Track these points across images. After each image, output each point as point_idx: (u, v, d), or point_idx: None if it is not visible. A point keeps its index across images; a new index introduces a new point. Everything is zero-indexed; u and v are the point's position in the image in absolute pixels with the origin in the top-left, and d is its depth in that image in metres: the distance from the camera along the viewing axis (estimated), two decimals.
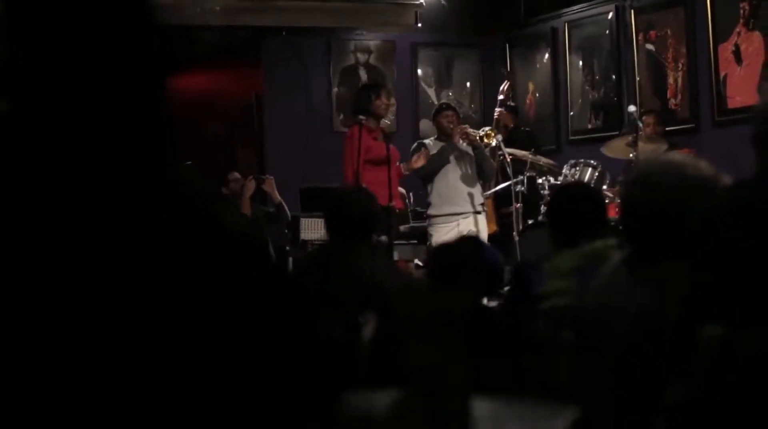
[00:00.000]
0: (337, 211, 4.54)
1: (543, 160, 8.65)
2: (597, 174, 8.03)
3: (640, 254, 2.77)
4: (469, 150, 7.88)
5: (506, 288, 4.19)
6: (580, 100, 10.15)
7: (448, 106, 8.21)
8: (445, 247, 4.07)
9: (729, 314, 2.14)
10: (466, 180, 7.84)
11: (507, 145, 8.45)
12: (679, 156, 3.03)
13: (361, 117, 7.34)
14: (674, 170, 2.71)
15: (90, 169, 1.34)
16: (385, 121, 7.65)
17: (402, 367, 1.84)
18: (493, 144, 7.95)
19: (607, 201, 6.60)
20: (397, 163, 7.52)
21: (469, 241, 4.12)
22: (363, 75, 10.47)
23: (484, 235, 7.81)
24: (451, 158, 7.77)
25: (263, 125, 10.32)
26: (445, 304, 1.93)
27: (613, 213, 5.16)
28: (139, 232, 1.32)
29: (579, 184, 6.95)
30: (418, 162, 7.64)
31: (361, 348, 2.68)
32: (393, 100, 7.83)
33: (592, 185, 7.43)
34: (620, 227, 2.91)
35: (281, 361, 1.38)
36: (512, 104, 9.95)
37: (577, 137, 10.17)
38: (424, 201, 8.15)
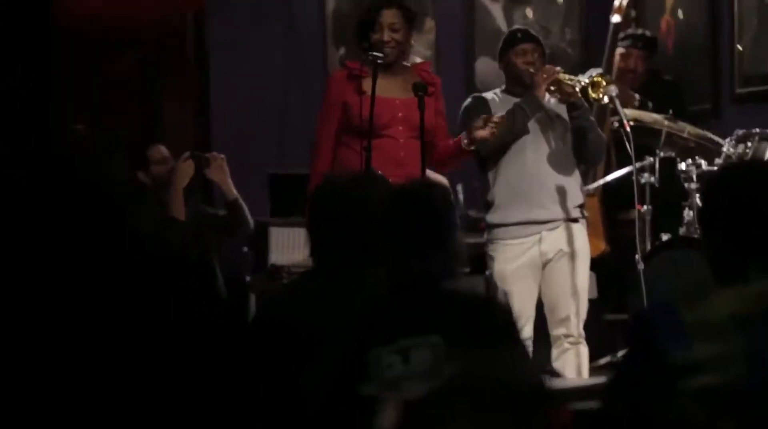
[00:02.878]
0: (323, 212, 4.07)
1: (689, 130, 7.11)
2: None
3: None
4: (562, 111, 6.11)
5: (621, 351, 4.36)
6: (755, 22, 7.66)
7: (526, 35, 6.33)
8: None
9: None
10: (555, 163, 6.15)
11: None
12: None
13: (374, 53, 5.82)
14: None
15: None
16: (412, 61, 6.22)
17: None
18: (605, 101, 6.21)
19: None
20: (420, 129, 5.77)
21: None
22: None
23: (585, 259, 6.28)
24: (531, 126, 6.04)
25: (207, 65, 8.03)
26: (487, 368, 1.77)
27: None
28: None
29: (758, 165, 5.30)
30: (482, 131, 5.90)
31: None
32: (411, 34, 5.93)
33: None
34: None
35: None
36: (644, 33, 7.81)
37: (749, 89, 7.91)
38: (480, 200, 6.31)
